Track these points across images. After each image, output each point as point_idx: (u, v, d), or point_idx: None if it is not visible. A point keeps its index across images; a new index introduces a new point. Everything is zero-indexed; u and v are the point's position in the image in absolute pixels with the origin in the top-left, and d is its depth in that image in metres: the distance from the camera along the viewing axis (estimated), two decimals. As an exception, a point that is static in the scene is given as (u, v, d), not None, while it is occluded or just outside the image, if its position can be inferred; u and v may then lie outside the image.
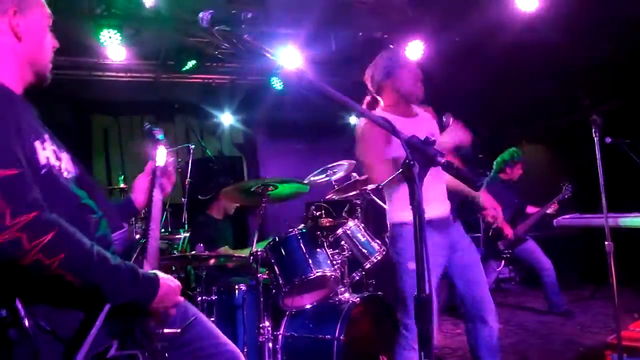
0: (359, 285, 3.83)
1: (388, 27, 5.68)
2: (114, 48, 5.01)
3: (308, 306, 3.26)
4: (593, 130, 2.99)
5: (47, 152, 1.38)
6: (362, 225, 3.60)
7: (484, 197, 2.96)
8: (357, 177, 3.95)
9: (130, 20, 4.97)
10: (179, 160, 5.30)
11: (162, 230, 4.82)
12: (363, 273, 3.58)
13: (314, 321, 3.14)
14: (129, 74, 6.02)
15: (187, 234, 4.49)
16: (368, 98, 2.81)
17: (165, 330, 1.48)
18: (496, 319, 2.71)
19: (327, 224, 3.86)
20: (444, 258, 2.66)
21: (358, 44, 5.76)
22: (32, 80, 1.52)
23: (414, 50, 5.59)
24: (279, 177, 3.12)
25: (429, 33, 5.61)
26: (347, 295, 3.32)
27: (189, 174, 5.01)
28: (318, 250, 3.20)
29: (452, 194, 2.78)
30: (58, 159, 1.44)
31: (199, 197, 4.45)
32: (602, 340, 3.16)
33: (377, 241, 3.63)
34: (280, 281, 3.10)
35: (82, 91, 6.12)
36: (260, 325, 2.98)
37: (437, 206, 2.65)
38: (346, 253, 3.45)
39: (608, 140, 3.31)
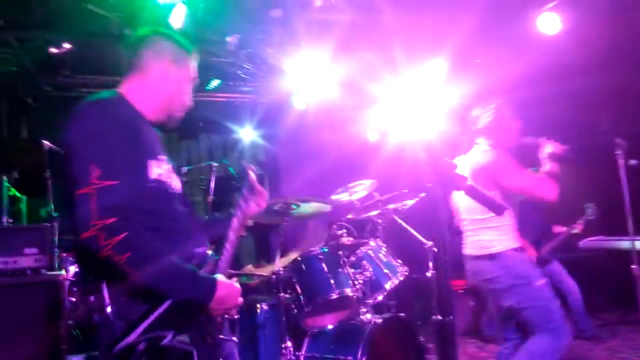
0: (380, 306, 3.81)
1: (409, 48, 5.71)
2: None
3: (330, 327, 3.25)
4: (617, 152, 2.97)
5: (160, 170, 1.71)
6: (384, 245, 3.60)
7: None
8: (379, 197, 3.96)
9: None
10: (202, 177, 5.38)
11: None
12: (385, 294, 3.56)
13: (336, 342, 3.14)
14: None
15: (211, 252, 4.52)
16: (468, 135, 3.11)
17: (221, 337, 1.70)
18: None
19: (349, 244, 3.86)
20: None
21: (379, 64, 5.79)
22: (164, 116, 1.86)
23: (437, 69, 5.60)
24: (301, 196, 3.16)
25: (450, 52, 5.62)
26: (368, 316, 3.31)
27: (211, 192, 5.06)
28: (340, 270, 3.21)
29: None
30: (169, 177, 1.76)
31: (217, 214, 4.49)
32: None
33: (399, 261, 3.62)
34: (302, 301, 3.10)
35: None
36: (283, 346, 2.99)
37: None
38: (368, 273, 3.43)
39: (634, 162, 3.27)
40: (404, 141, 5.96)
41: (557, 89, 5.86)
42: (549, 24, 4.73)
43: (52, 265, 3.13)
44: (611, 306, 5.85)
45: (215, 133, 7.41)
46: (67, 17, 4.42)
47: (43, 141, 3.65)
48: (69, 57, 4.99)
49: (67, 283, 3.32)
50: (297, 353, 3.12)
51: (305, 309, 3.08)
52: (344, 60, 5.73)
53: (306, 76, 5.49)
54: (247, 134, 7.26)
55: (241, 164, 2.31)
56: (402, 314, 3.44)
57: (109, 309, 1.53)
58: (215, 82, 5.87)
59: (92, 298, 1.56)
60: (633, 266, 2.86)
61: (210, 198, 5.05)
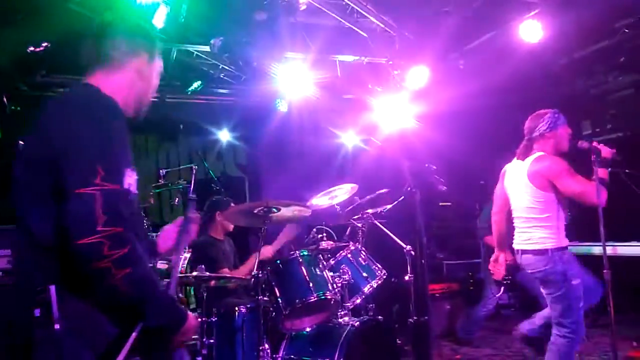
0: (358, 309, 3.83)
1: (392, 53, 5.76)
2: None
3: (308, 329, 3.27)
4: (592, 158, 3.04)
5: (131, 179, 1.56)
6: (363, 249, 3.62)
7: None
8: (359, 201, 3.98)
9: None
10: (183, 180, 5.33)
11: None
12: (363, 297, 3.59)
13: (313, 344, 3.15)
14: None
15: (188, 254, 4.49)
16: (525, 142, 3.30)
17: None
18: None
19: (329, 247, 3.87)
20: None
21: (363, 69, 5.84)
22: (132, 113, 1.75)
23: (418, 75, 5.65)
24: (282, 200, 3.16)
25: (433, 58, 5.69)
26: (346, 318, 3.33)
27: (190, 194, 5.01)
28: (319, 273, 3.23)
29: None
30: (137, 188, 1.63)
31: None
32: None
33: (378, 265, 3.64)
34: (281, 303, 3.11)
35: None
36: (261, 348, 2.99)
37: None
38: (347, 277, 3.46)
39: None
40: (385, 145, 6.01)
41: (537, 94, 5.98)
42: (531, 32, 4.81)
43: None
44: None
45: (195, 135, 7.36)
46: (47, 16, 4.36)
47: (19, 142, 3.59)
48: (47, 56, 4.92)
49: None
50: (274, 355, 3.13)
51: (284, 312, 3.09)
52: (327, 64, 5.76)
53: (289, 79, 5.50)
54: (227, 137, 7.23)
55: (189, 198, 2.29)
56: (379, 317, 3.47)
57: (57, 326, 1.38)
58: (196, 84, 5.84)
59: (37, 312, 1.40)
60: (604, 270, 2.94)
61: (192, 197, 4.99)
